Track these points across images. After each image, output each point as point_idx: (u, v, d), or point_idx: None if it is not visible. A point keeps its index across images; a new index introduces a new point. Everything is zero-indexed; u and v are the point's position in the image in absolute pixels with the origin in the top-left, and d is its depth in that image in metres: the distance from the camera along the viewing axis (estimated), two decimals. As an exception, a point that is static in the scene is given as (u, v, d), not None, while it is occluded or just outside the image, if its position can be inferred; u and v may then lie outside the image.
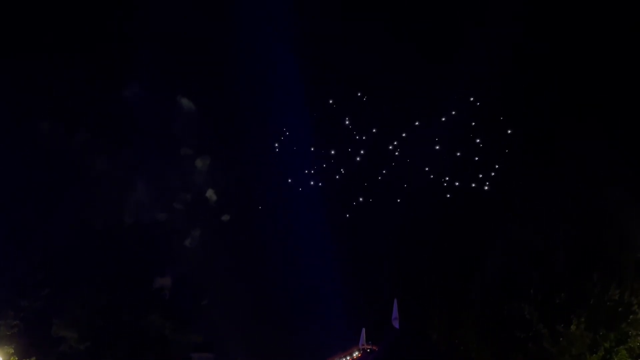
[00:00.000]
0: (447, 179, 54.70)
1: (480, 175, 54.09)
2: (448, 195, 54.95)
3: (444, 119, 55.88)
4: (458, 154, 55.21)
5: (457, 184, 54.55)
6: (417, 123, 57.51)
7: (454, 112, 55.39)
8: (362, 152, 58.72)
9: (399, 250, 55.50)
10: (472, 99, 55.13)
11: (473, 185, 54.07)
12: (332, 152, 60.21)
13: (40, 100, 62.87)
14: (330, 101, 60.27)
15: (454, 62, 54.77)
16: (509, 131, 53.06)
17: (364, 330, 51.05)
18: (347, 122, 59.63)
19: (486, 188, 53.26)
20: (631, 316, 41.52)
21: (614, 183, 44.84)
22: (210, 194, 70.61)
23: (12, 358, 46.96)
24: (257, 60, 65.42)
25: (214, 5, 69.50)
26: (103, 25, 67.65)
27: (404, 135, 58.21)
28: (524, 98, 52.44)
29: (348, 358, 52.24)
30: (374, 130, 58.73)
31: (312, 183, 60.81)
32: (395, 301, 47.56)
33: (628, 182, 44.55)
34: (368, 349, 51.65)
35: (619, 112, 47.21)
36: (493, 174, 53.29)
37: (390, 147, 57.89)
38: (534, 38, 52.67)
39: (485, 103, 54.52)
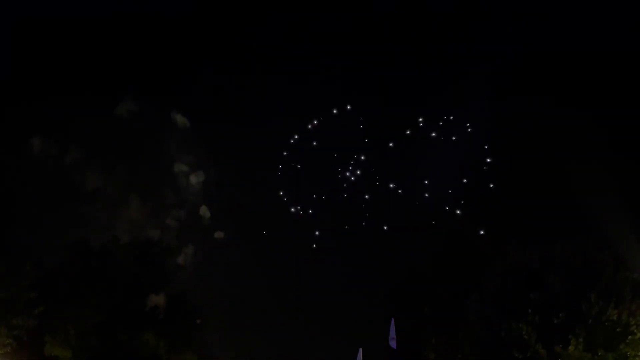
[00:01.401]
0: (447, 199, 54.62)
1: (478, 195, 54.00)
2: (446, 215, 54.82)
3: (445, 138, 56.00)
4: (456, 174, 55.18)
5: (455, 204, 54.50)
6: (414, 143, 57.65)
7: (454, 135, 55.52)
8: (360, 171, 58.66)
9: (396, 270, 55.42)
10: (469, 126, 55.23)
11: (471, 205, 53.99)
12: (332, 168, 60.10)
13: (33, 117, 62.69)
14: (331, 115, 60.17)
15: (459, 75, 54.96)
16: (507, 151, 53.00)
17: (360, 350, 50.72)
18: (348, 138, 59.59)
19: (483, 208, 53.15)
20: (629, 337, 41.53)
21: (611, 203, 45.03)
22: (204, 210, 70.43)
23: (4, 377, 46.43)
24: (256, 72, 65.48)
25: (210, 20, 69.79)
26: (97, 42, 67.79)
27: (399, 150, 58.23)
28: (523, 119, 52.63)
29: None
30: (374, 148, 58.77)
31: (310, 200, 60.65)
32: (393, 321, 47.20)
33: (625, 203, 44.76)
34: (365, 369, 51.30)
35: (619, 132, 47.48)
36: (490, 193, 53.20)
37: (391, 167, 57.94)
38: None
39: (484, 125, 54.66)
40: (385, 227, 57.16)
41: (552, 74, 52.40)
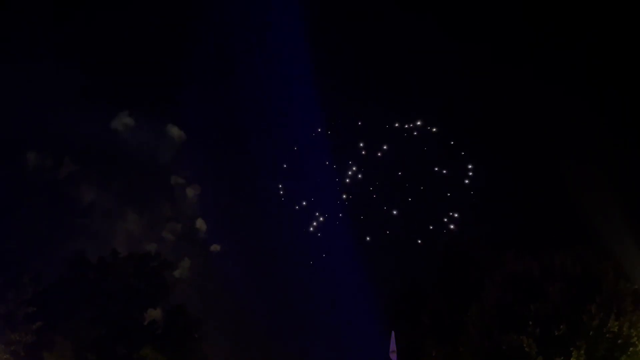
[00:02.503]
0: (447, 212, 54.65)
1: (477, 207, 54.00)
2: (445, 228, 54.80)
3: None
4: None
5: (455, 215, 54.47)
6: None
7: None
8: (358, 188, 58.76)
9: (396, 282, 55.28)
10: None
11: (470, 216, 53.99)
12: (329, 182, 60.14)
13: (30, 130, 62.53)
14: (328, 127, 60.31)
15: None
16: (505, 161, 53.11)
17: (360, 364, 50.69)
18: (345, 155, 59.80)
19: (483, 219, 53.17)
20: (631, 349, 41.39)
21: (611, 212, 45.05)
22: (200, 223, 70.20)
23: (2, 393, 46.14)
24: (251, 87, 65.54)
25: (203, 37, 69.87)
26: (90, 56, 67.79)
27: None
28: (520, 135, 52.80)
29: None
30: (374, 168, 58.94)
31: (308, 216, 60.68)
32: (393, 334, 46.99)
33: (625, 212, 44.78)
34: (366, 382, 51.20)
35: (619, 142, 47.67)
36: (489, 206, 53.24)
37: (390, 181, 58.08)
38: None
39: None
40: (383, 240, 56.99)
41: (552, 78, 52.62)
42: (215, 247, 68.57)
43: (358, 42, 64.87)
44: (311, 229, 60.33)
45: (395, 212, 56.97)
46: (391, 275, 55.82)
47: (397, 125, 59.20)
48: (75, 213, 62.28)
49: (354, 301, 55.98)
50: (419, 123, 58.41)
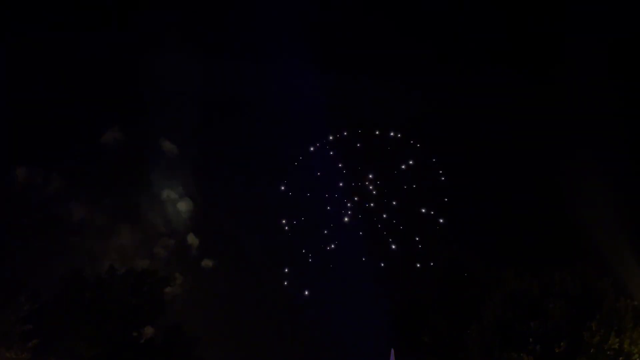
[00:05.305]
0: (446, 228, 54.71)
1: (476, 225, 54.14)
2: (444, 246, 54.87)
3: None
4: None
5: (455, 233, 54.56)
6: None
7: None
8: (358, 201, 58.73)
9: (396, 300, 55.25)
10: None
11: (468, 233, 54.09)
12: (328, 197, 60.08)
13: (21, 147, 62.11)
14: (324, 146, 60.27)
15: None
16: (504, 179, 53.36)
17: (361, 380, 50.51)
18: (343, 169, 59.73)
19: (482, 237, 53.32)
20: (632, 365, 41.57)
21: (610, 229, 45.30)
22: (192, 238, 69.88)
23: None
24: (243, 101, 65.50)
25: (195, 51, 69.80)
26: (82, 68, 67.48)
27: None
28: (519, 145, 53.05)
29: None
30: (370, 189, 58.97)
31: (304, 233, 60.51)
32: (392, 351, 46.97)
33: (625, 229, 45.04)
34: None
35: (617, 164, 48.00)
36: (489, 224, 53.39)
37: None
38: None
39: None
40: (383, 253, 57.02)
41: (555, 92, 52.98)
42: (208, 263, 68.24)
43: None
44: (303, 251, 60.16)
45: (394, 230, 56.93)
46: (391, 293, 55.82)
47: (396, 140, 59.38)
48: (68, 230, 61.80)
49: (353, 319, 55.87)
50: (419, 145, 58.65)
